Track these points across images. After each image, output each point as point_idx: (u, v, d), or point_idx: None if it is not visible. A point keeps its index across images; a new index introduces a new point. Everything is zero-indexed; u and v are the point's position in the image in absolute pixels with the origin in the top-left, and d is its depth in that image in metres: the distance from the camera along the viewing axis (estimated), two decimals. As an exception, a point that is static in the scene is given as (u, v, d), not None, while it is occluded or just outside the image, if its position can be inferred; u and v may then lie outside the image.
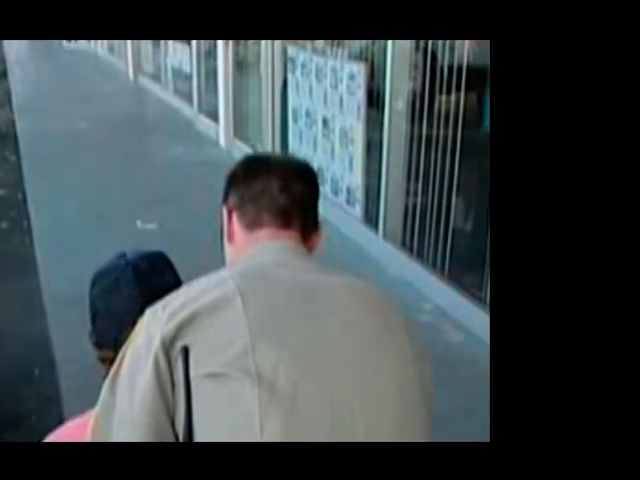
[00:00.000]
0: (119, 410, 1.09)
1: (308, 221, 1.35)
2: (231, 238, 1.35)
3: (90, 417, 1.15)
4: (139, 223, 5.77)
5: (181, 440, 1.04)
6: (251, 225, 1.31)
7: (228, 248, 1.36)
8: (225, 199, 1.36)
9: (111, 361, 1.33)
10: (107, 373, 1.29)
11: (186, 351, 1.06)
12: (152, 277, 1.37)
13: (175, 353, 1.07)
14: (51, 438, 1.34)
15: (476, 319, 4.02)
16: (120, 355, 1.14)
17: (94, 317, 1.38)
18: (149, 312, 1.14)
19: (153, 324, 1.11)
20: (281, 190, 1.31)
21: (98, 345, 1.38)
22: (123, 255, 1.42)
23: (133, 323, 1.26)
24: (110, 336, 1.34)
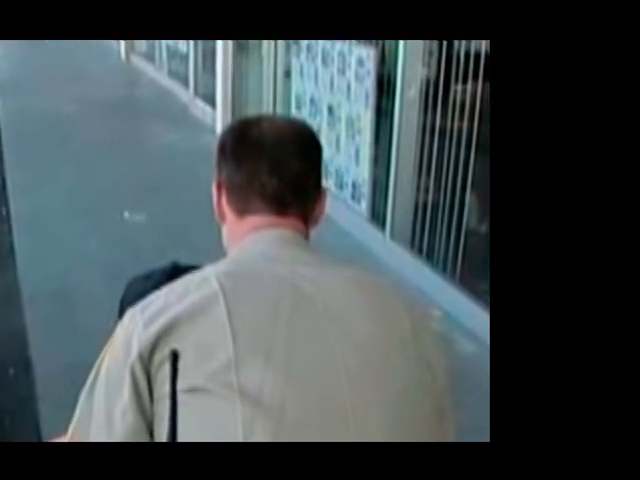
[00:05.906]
0: (96, 423, 1.09)
1: (308, 200, 1.30)
2: (222, 217, 1.32)
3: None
4: (126, 214, 5.78)
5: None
6: (241, 212, 1.27)
7: (223, 227, 1.33)
8: (217, 171, 1.31)
9: None
10: None
11: (174, 357, 1.04)
12: None
13: (155, 365, 1.06)
14: None
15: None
16: (98, 360, 1.13)
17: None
18: (128, 314, 1.13)
19: (130, 329, 1.10)
20: (272, 173, 1.25)
21: None
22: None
23: None
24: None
